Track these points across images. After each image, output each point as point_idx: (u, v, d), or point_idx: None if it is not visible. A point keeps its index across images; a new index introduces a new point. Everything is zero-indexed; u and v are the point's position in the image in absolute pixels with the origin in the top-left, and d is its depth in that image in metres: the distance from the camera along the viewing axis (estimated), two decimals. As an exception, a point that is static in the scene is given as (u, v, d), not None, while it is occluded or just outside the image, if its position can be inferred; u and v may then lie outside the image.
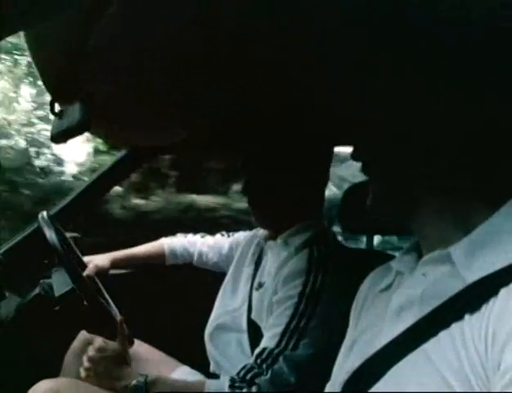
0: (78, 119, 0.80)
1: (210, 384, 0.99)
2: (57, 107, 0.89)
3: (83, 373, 1.06)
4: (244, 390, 0.96)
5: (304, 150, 1.18)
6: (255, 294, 1.17)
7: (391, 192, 0.66)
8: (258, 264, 1.25)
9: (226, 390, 0.96)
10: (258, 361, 0.99)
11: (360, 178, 0.83)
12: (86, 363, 1.06)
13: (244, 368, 0.99)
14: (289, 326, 1.01)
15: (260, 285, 1.17)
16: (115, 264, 1.52)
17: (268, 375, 0.96)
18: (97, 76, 0.84)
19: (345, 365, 0.70)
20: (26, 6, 0.39)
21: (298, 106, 0.99)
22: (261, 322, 1.12)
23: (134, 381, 0.99)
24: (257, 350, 1.02)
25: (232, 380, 0.98)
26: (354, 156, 0.70)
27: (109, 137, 1.40)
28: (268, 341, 1.02)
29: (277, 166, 1.16)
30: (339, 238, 1.49)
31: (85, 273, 1.34)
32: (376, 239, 1.55)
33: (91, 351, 1.06)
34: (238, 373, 0.99)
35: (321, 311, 1.01)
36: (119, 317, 1.29)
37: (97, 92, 0.83)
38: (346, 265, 1.13)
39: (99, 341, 1.07)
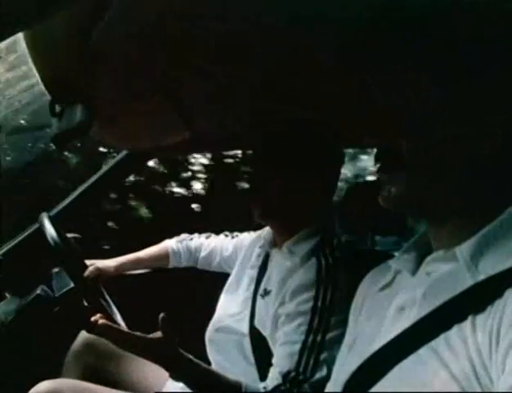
0: (78, 120, 0.80)
1: (247, 386, 0.99)
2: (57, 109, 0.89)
3: None
4: None
5: (322, 149, 1.16)
6: (260, 301, 1.15)
7: (423, 188, 0.64)
8: (262, 268, 1.23)
9: None
10: (288, 385, 0.98)
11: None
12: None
13: (276, 388, 0.98)
14: (306, 343, 1.00)
15: (266, 292, 1.15)
16: (120, 269, 1.50)
17: None
18: (101, 77, 0.84)
19: (346, 364, 0.70)
20: (26, 6, 0.39)
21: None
22: (264, 330, 1.10)
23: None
24: (281, 370, 1.00)
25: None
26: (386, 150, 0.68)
27: (110, 138, 1.39)
28: (286, 359, 1.00)
29: (294, 165, 1.13)
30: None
31: (85, 274, 1.33)
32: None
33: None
34: (265, 387, 0.98)
35: (336, 322, 1.00)
36: (118, 316, 1.29)
37: (100, 92, 0.83)
38: (354, 269, 1.12)
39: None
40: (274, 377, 1.00)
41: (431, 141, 0.63)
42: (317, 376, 0.98)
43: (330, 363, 0.97)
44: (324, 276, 1.05)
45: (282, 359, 1.01)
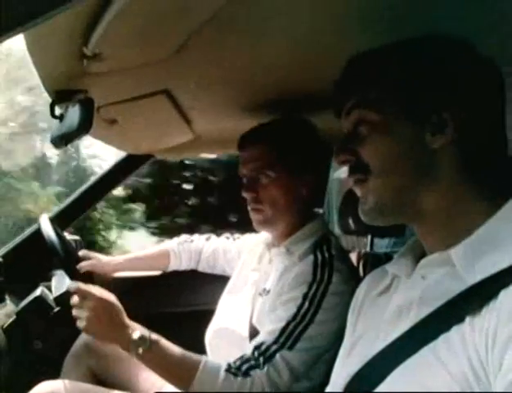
0: (79, 121, 0.80)
1: (207, 361, 0.98)
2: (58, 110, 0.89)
3: (79, 323, 0.99)
4: (239, 378, 0.95)
5: (315, 148, 1.16)
6: (259, 300, 1.16)
7: (392, 196, 0.64)
8: (263, 270, 1.23)
9: (222, 372, 0.95)
10: (256, 354, 0.99)
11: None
12: (73, 312, 1.00)
13: (241, 358, 0.99)
14: (289, 325, 1.00)
15: (265, 291, 1.16)
16: (118, 267, 1.51)
17: (264, 370, 0.96)
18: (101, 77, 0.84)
19: (345, 368, 0.70)
20: (26, 6, 0.39)
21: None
22: (261, 326, 1.11)
23: (138, 333, 0.95)
24: (254, 343, 1.02)
25: (229, 366, 0.98)
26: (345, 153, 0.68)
27: (110, 139, 1.39)
28: (267, 335, 1.01)
29: (291, 167, 1.13)
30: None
31: (80, 265, 1.33)
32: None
33: (74, 300, 0.99)
34: (234, 362, 0.99)
35: (321, 319, 1.01)
36: None
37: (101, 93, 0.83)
38: (350, 269, 1.13)
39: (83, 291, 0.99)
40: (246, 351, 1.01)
41: (387, 145, 0.63)
42: (292, 354, 0.98)
43: (304, 355, 0.99)
44: (319, 269, 1.06)
45: (261, 336, 1.03)
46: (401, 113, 0.63)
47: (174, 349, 0.99)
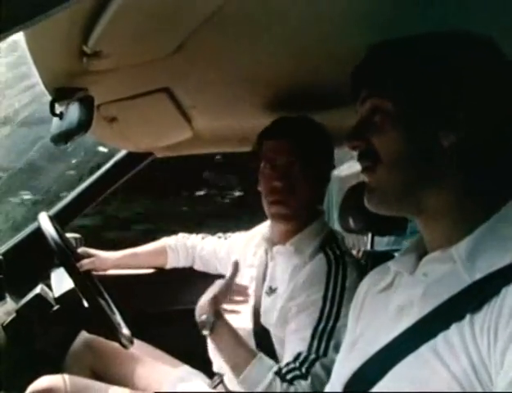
0: (79, 119, 0.80)
1: (262, 357, 1.02)
2: (57, 108, 0.89)
3: None
4: (284, 385, 0.97)
5: (323, 146, 1.18)
6: (266, 299, 1.16)
7: (399, 187, 0.64)
8: (262, 266, 1.23)
9: (271, 373, 0.99)
10: (297, 364, 1.00)
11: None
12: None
13: (287, 365, 1.01)
14: (318, 328, 1.02)
15: (271, 290, 1.16)
16: (116, 263, 1.52)
17: (309, 380, 0.98)
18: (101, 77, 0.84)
19: (346, 365, 0.70)
20: (26, 4, 0.39)
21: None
22: (271, 326, 1.12)
23: (204, 317, 1.07)
24: (291, 352, 1.02)
25: (279, 369, 1.00)
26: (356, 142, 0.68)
27: (110, 138, 1.39)
28: (298, 344, 1.03)
29: (304, 164, 1.14)
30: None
31: (79, 264, 1.33)
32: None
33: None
34: (281, 368, 1.00)
35: (345, 313, 1.01)
36: (118, 316, 1.29)
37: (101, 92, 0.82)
38: (358, 265, 1.14)
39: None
40: (285, 360, 1.02)
41: (399, 136, 0.63)
42: (328, 358, 0.99)
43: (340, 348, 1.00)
44: (333, 266, 1.07)
45: (294, 344, 1.04)
46: (416, 107, 0.63)
47: (235, 338, 1.06)
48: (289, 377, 0.98)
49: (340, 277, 1.06)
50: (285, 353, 1.05)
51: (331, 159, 1.22)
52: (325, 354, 1.00)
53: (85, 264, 1.38)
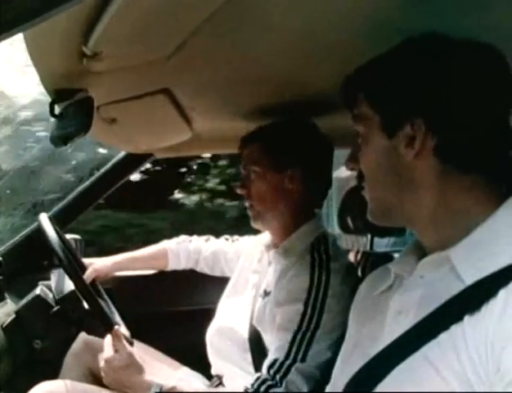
0: (78, 121, 0.80)
1: None
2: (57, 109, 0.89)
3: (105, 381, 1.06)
4: None
5: (314, 146, 1.17)
6: (260, 301, 1.16)
7: (379, 203, 0.67)
8: (263, 271, 1.23)
9: None
10: (271, 372, 0.99)
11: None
12: (102, 373, 1.06)
13: (257, 379, 0.99)
14: (297, 336, 1.01)
15: (266, 293, 1.16)
16: (116, 267, 1.51)
17: (282, 387, 0.97)
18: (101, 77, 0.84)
19: (346, 368, 0.70)
20: (25, 5, 0.39)
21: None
22: (262, 328, 1.12)
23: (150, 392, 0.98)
24: (267, 362, 1.02)
25: (246, 390, 0.98)
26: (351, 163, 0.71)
27: (110, 139, 1.39)
28: (277, 351, 1.02)
29: (291, 164, 1.14)
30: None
31: (84, 277, 1.33)
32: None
33: (101, 361, 1.06)
34: (252, 385, 0.99)
35: (327, 319, 1.01)
36: (118, 317, 1.29)
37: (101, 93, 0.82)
38: (347, 268, 1.13)
39: (108, 350, 1.07)
40: (260, 372, 1.01)
41: (368, 155, 0.66)
42: (306, 364, 0.99)
43: (318, 359, 0.99)
44: (316, 271, 1.06)
45: (271, 352, 1.03)
46: (377, 124, 0.64)
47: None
48: (262, 389, 0.98)
49: (323, 283, 1.04)
50: (265, 360, 1.04)
51: (323, 161, 1.20)
52: (303, 360, 0.99)
53: (89, 275, 1.37)
